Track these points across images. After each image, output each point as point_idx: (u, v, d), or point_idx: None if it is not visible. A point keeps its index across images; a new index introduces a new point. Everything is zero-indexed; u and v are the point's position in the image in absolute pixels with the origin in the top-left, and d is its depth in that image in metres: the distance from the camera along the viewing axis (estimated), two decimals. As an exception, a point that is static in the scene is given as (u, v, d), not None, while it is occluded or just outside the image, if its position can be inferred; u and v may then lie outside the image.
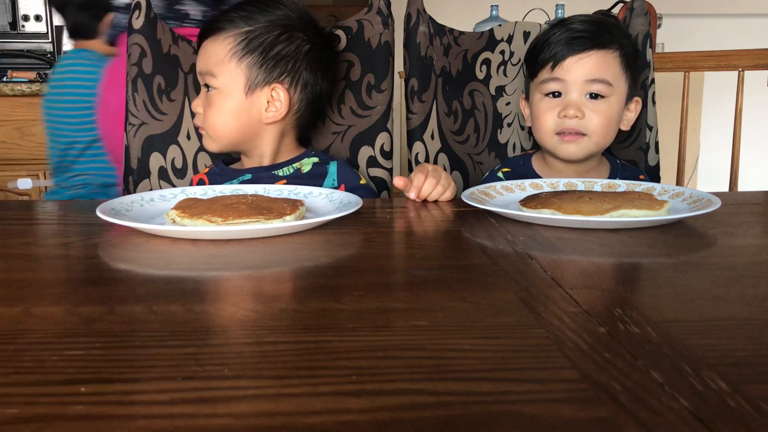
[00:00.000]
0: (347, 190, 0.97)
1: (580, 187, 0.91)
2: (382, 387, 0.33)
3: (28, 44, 2.07)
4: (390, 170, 1.10)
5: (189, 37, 1.09)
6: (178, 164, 1.07)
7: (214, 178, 1.00)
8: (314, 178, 0.98)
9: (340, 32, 1.10)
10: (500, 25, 1.20)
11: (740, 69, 1.50)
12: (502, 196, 0.88)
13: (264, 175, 0.98)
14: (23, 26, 2.07)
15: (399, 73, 1.47)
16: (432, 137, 1.11)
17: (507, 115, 1.21)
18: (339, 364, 0.36)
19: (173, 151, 1.06)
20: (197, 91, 1.03)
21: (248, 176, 0.98)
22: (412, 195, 0.86)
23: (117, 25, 1.24)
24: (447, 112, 1.14)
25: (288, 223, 0.67)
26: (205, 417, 0.30)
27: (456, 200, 0.88)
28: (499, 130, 1.21)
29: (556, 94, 1.01)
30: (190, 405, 0.31)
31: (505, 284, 0.51)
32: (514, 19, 1.28)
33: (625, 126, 1.06)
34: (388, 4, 1.09)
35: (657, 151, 1.17)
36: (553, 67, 1.00)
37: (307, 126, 1.07)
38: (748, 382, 0.33)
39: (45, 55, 2.04)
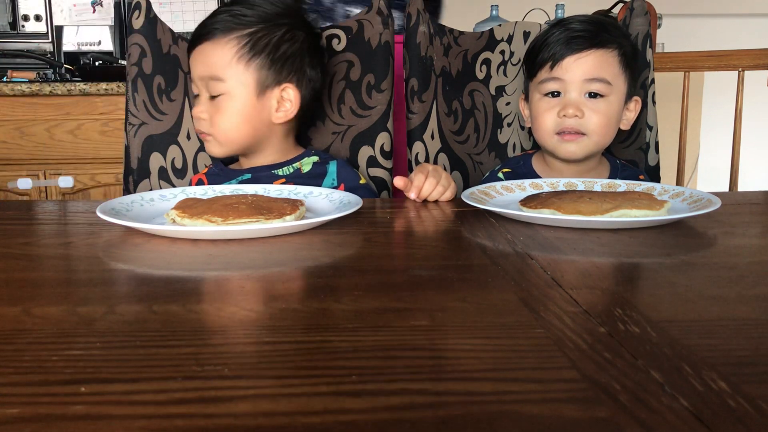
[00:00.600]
0: (347, 189, 0.97)
1: (580, 187, 0.91)
2: (382, 387, 0.33)
3: (28, 44, 2.07)
4: (390, 170, 1.10)
5: None
6: (178, 164, 1.07)
7: (213, 178, 1.00)
8: (314, 178, 0.98)
9: (340, 32, 1.10)
10: (500, 25, 1.20)
11: (740, 69, 1.50)
12: (502, 196, 0.88)
13: (264, 174, 0.98)
14: (23, 26, 2.07)
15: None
16: (432, 137, 1.11)
17: (507, 115, 1.21)
18: (339, 364, 0.36)
19: (173, 151, 1.06)
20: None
21: (248, 176, 0.98)
22: (412, 195, 0.86)
23: None
24: (447, 112, 1.14)
25: (288, 223, 0.67)
26: (205, 417, 0.30)
27: (456, 200, 0.88)
28: (499, 130, 1.21)
29: (555, 94, 1.01)
30: (189, 405, 0.31)
31: (505, 284, 0.50)
32: (514, 19, 1.28)
33: (625, 125, 1.06)
34: (388, 4, 1.09)
35: (657, 151, 1.17)
36: (552, 67, 1.00)
37: (307, 124, 1.07)
38: (748, 382, 0.33)
39: (45, 55, 2.03)
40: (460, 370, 0.35)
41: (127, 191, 1.05)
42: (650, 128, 1.15)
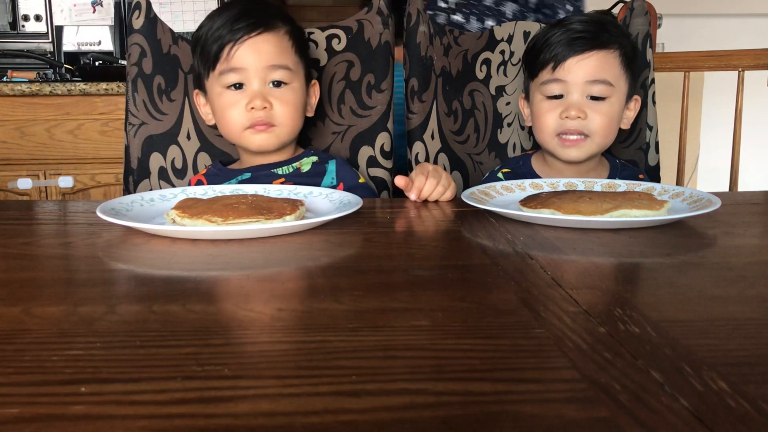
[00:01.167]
0: (346, 188, 0.97)
1: (580, 187, 0.91)
2: (382, 387, 0.33)
3: (28, 44, 2.07)
4: (390, 170, 1.10)
5: None
6: (178, 164, 1.07)
7: (212, 179, 1.00)
8: (313, 177, 0.98)
9: (340, 32, 1.10)
10: (500, 25, 1.20)
11: (740, 69, 1.50)
12: (502, 196, 0.88)
13: (263, 173, 0.98)
14: (23, 26, 2.06)
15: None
16: (432, 137, 1.11)
17: (507, 115, 1.21)
18: (339, 364, 0.36)
19: (173, 151, 1.06)
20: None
21: (247, 175, 0.98)
22: (412, 196, 0.86)
23: None
24: (447, 112, 1.14)
25: (288, 223, 0.67)
26: (205, 417, 0.30)
27: (456, 200, 0.88)
28: (499, 130, 1.21)
29: (558, 96, 1.01)
30: (189, 405, 0.31)
31: (505, 284, 0.50)
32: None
33: (625, 125, 1.06)
34: (389, 4, 1.09)
35: (657, 151, 1.17)
36: (554, 68, 1.00)
37: (307, 123, 1.08)
38: (748, 382, 0.33)
39: (45, 55, 2.03)
40: (460, 370, 0.35)
41: (127, 191, 1.05)
42: (650, 128, 1.15)
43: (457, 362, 0.36)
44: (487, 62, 1.19)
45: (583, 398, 0.32)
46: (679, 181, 1.61)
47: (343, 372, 0.35)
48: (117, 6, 2.06)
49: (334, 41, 1.10)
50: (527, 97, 1.09)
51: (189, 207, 0.70)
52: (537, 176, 1.06)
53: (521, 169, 1.08)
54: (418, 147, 1.09)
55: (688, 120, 1.56)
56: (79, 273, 0.57)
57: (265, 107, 0.93)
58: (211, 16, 0.96)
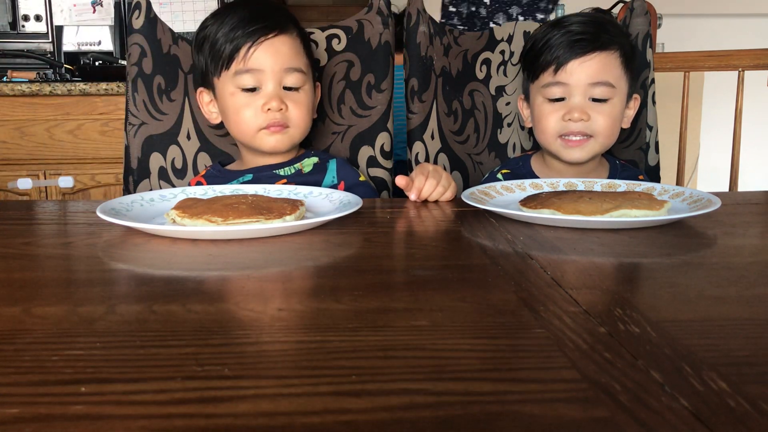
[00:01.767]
0: (347, 187, 0.97)
1: (580, 187, 0.91)
2: (382, 387, 0.33)
3: (28, 44, 2.07)
4: (390, 170, 1.10)
5: None
6: (178, 164, 1.07)
7: (213, 180, 1.00)
8: (314, 176, 0.99)
9: (340, 32, 1.10)
10: (500, 25, 1.20)
11: (740, 69, 1.50)
12: (502, 196, 0.88)
13: (265, 174, 0.98)
14: (23, 26, 2.06)
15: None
16: (432, 137, 1.11)
17: (507, 115, 1.21)
18: (339, 364, 0.36)
19: (173, 151, 1.06)
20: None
21: (249, 176, 0.98)
22: (412, 196, 0.86)
23: None
24: (447, 112, 1.14)
25: (288, 223, 0.67)
26: (205, 417, 0.30)
27: (456, 200, 0.88)
28: (499, 130, 1.21)
29: (560, 99, 1.01)
30: (189, 405, 0.31)
31: (505, 284, 0.50)
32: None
33: (626, 123, 1.06)
34: (388, 4, 1.09)
35: (657, 151, 1.17)
36: (555, 71, 1.00)
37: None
38: (748, 382, 0.33)
39: (45, 55, 2.03)
40: (460, 370, 0.35)
41: (127, 191, 1.05)
42: (650, 128, 1.15)
43: (457, 362, 0.36)
44: (487, 62, 1.19)
45: (583, 398, 0.32)
46: (679, 181, 1.61)
47: (343, 372, 0.35)
48: (117, 6, 2.06)
49: (334, 41, 1.10)
50: (527, 99, 1.09)
51: (189, 207, 0.70)
52: (536, 177, 1.06)
53: (521, 170, 1.08)
54: (418, 147, 1.09)
55: (688, 120, 1.56)
56: (79, 273, 0.57)
57: (281, 109, 0.93)
58: (218, 16, 0.95)
